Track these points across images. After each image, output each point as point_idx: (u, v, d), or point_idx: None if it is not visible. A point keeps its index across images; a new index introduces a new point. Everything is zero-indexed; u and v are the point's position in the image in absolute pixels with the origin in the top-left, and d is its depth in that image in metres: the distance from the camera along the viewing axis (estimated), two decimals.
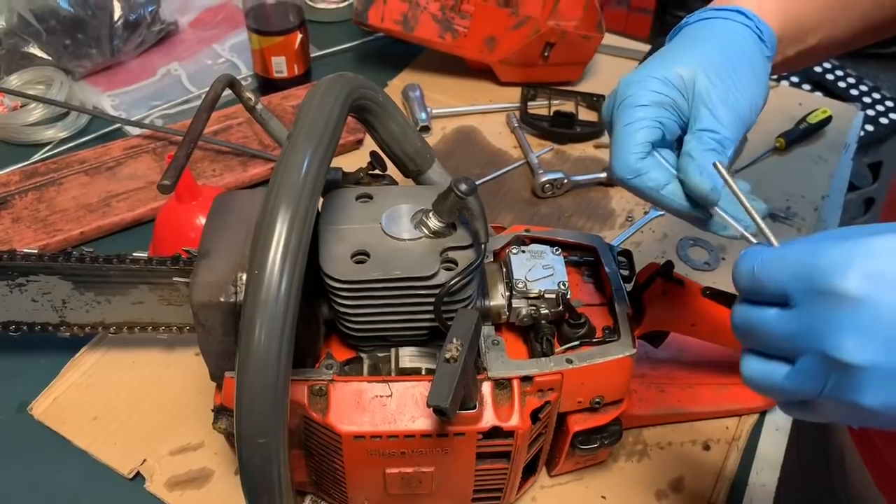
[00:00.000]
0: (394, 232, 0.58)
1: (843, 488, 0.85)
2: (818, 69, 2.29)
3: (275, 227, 0.45)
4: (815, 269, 0.39)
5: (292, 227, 0.46)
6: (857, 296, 0.37)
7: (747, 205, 0.47)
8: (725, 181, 0.49)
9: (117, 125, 1.07)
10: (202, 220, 0.81)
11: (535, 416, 0.57)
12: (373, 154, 0.67)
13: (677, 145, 0.54)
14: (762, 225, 0.46)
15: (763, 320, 0.42)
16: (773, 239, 0.45)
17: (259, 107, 0.87)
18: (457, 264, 0.56)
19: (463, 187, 0.55)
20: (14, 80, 1.07)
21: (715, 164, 0.50)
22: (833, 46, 0.63)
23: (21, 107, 1.05)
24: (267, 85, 1.13)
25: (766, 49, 0.56)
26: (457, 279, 0.55)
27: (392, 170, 0.67)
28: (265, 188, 0.48)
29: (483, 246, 0.57)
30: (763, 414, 0.77)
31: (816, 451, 0.89)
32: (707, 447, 0.74)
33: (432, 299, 0.55)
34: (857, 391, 0.38)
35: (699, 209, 0.52)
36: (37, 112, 1.04)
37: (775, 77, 2.18)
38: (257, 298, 0.45)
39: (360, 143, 1.06)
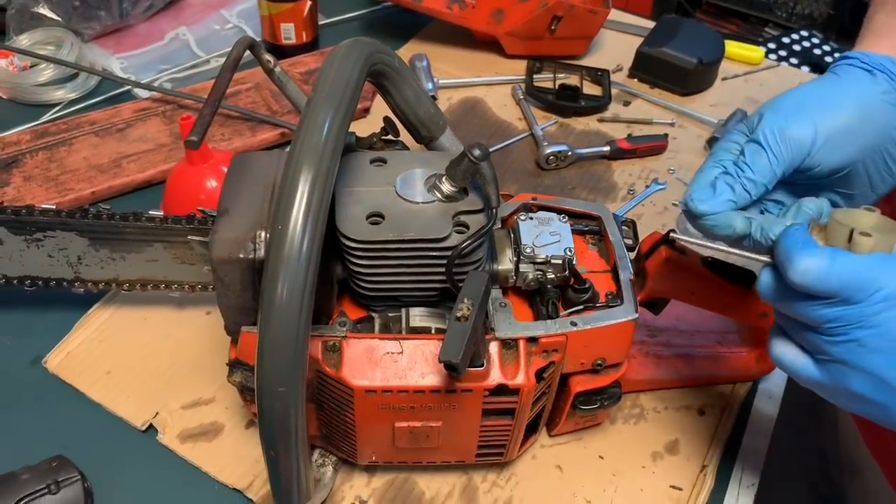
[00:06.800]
0: (408, 195, 0.59)
1: (834, 451, 0.87)
2: (817, 51, 2.30)
3: (298, 185, 0.47)
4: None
5: (314, 185, 0.47)
6: None
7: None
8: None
9: (126, 87, 1.08)
10: (212, 182, 0.83)
11: (539, 375, 0.60)
12: (386, 119, 0.68)
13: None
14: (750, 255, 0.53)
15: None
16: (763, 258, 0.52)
17: (277, 69, 0.87)
18: (468, 228, 0.58)
19: (477, 153, 0.56)
20: (24, 40, 1.07)
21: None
22: None
23: (31, 67, 1.06)
24: (275, 51, 1.12)
25: (880, 82, 0.57)
26: (468, 242, 0.56)
27: (404, 135, 0.69)
28: (283, 150, 0.49)
29: (494, 211, 0.59)
30: (756, 382, 0.79)
31: (809, 414, 0.92)
32: (702, 412, 0.76)
33: (444, 261, 0.57)
34: None
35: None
36: (47, 72, 1.05)
37: (776, 58, 2.19)
38: (281, 254, 0.46)
39: (367, 111, 1.07)
